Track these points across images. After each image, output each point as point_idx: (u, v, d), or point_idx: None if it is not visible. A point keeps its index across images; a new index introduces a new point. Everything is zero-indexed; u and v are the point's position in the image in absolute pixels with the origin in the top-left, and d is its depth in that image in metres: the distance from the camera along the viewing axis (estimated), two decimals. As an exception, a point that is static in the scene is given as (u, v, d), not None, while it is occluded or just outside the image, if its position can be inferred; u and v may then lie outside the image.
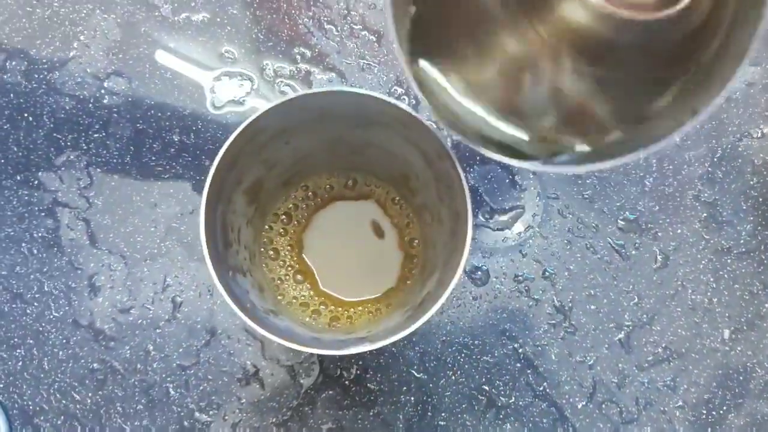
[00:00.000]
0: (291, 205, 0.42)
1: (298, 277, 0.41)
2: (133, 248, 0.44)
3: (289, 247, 0.42)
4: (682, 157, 0.47)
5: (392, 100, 0.30)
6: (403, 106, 0.30)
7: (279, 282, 0.41)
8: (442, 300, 0.29)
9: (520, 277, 0.44)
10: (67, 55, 0.46)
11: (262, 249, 0.41)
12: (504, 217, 0.45)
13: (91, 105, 0.46)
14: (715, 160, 0.47)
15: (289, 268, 0.41)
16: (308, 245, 0.42)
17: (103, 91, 0.46)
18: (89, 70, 0.46)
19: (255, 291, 0.35)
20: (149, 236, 0.44)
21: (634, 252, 0.45)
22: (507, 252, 0.45)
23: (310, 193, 0.42)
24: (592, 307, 0.44)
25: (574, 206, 0.46)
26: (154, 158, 0.45)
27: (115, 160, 0.45)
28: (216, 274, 0.29)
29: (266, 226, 0.41)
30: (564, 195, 0.46)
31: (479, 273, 0.44)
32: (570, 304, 0.44)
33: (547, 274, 0.45)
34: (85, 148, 0.45)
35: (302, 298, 0.41)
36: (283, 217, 0.42)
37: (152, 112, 0.46)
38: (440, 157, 0.31)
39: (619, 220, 0.46)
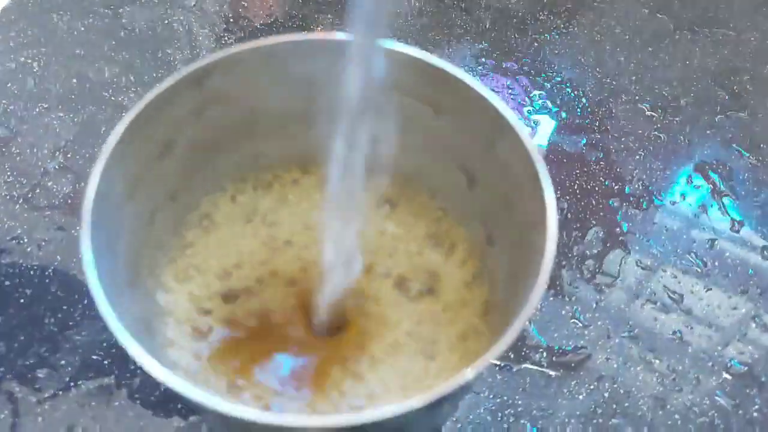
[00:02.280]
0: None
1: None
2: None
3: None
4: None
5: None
6: (469, 79, 0.18)
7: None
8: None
9: (597, 448, 0.30)
10: None
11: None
12: (563, 362, 0.33)
13: None
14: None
15: None
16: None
17: None
18: None
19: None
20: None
21: (756, 415, 0.31)
22: (574, 411, 0.31)
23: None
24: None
25: (660, 348, 0.33)
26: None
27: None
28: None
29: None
30: (644, 332, 0.33)
31: (537, 438, 0.30)
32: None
33: (637, 444, 0.30)
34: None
35: None
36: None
37: None
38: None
39: (723, 371, 0.33)
